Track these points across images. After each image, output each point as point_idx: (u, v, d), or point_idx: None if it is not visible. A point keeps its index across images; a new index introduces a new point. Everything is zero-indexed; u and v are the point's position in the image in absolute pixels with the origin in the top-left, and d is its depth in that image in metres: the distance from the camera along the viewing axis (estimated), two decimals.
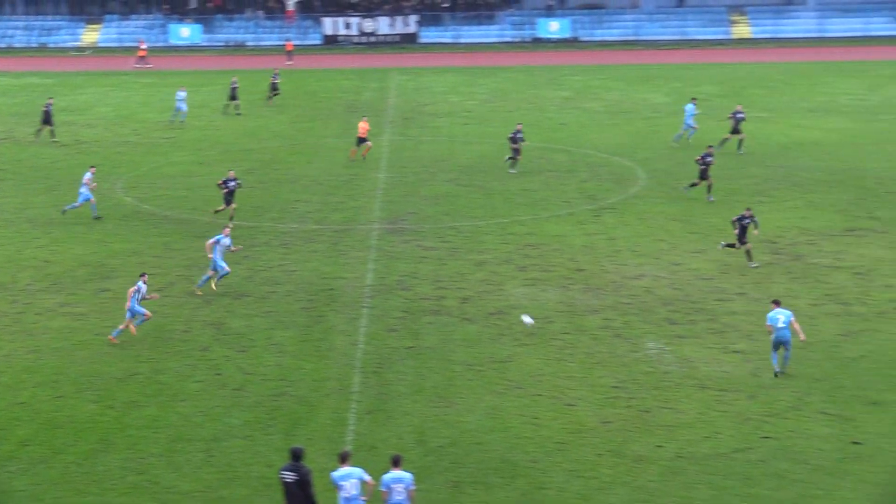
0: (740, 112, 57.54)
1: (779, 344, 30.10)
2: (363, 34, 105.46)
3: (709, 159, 47.83)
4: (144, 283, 33.37)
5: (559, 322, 34.48)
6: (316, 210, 47.42)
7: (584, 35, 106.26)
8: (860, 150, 58.04)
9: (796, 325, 30.13)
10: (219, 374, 30.72)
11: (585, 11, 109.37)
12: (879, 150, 57.93)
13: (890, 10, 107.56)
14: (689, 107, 60.42)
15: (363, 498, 21.55)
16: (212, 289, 36.93)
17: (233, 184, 44.28)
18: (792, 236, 42.89)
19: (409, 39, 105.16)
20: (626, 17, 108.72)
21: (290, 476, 21.52)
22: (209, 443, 26.82)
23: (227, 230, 38.02)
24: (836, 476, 25.12)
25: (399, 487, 21.45)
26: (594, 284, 37.89)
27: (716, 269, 39.22)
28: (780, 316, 30.03)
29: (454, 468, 25.58)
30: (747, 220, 39.20)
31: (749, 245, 39.35)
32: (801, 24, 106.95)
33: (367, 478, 21.54)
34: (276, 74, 75.20)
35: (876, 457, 25.94)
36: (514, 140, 53.46)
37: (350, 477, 21.43)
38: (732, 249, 39.75)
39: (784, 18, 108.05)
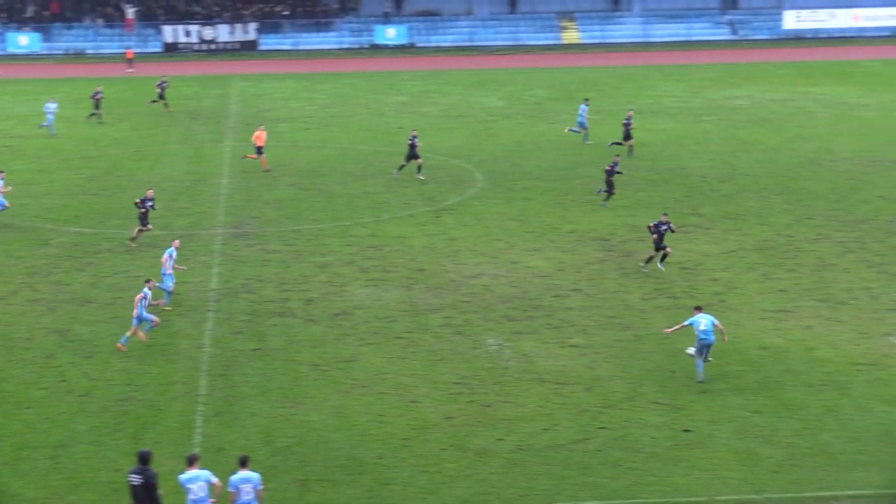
0: (630, 119, 58.93)
1: (703, 348, 30.34)
2: (203, 42, 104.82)
3: (615, 168, 48.10)
4: (150, 289, 33.23)
5: (402, 321, 35.10)
6: (160, 216, 47.07)
7: (421, 41, 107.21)
8: (685, 150, 59.88)
9: (721, 327, 30.54)
10: (64, 381, 30.57)
11: (421, 18, 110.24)
12: (702, 150, 59.88)
13: (709, 16, 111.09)
14: (583, 107, 61.89)
15: (211, 500, 21.81)
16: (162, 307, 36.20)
17: (150, 203, 43.07)
18: (623, 234, 44.17)
19: (249, 46, 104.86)
20: (461, 23, 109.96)
21: (136, 479, 21.70)
22: (56, 449, 26.74)
23: (178, 242, 37.76)
24: (669, 463, 26.18)
25: (247, 488, 21.74)
26: (435, 284, 38.61)
27: (552, 267, 40.26)
28: (703, 320, 30.20)
29: (301, 467, 25.98)
30: (664, 227, 39.09)
31: (668, 249, 39.23)
32: (627, 30, 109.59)
33: (215, 480, 21.81)
34: (163, 82, 74.05)
35: (705, 443, 27.11)
36: (411, 146, 53.41)
37: (198, 479, 21.69)
38: (653, 259, 39.59)
39: (611, 24, 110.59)
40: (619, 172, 48.25)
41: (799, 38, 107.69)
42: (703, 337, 30.12)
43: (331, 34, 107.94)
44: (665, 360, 31.85)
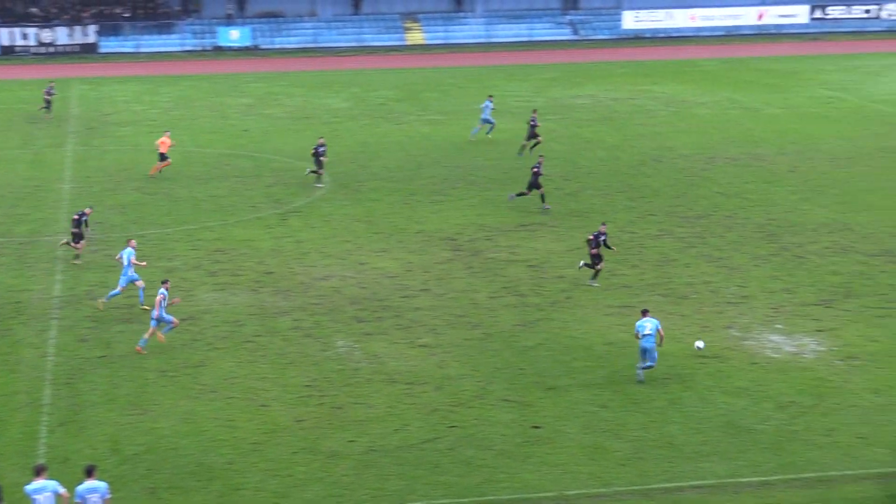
0: (535, 119, 59.13)
1: (644, 351, 30.59)
2: (42, 44, 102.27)
3: (539, 168, 47.72)
4: (167, 289, 32.52)
5: (250, 325, 34.93)
6: None
7: (265, 43, 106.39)
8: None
9: (661, 332, 30.75)
10: None
11: (265, 20, 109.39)
12: (546, 149, 59.61)
13: (551, 16, 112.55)
14: (487, 103, 62.10)
15: None
16: (99, 307, 35.98)
17: (85, 218, 41.65)
18: (470, 233, 44.57)
19: (88, 49, 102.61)
20: (305, 24, 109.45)
21: None
22: None
23: (134, 242, 36.97)
24: (519, 459, 26.59)
25: (94, 497, 21.57)
26: (283, 287, 38.49)
27: (400, 268, 40.45)
28: (648, 324, 30.47)
29: (150, 475, 25.78)
30: (603, 237, 38.76)
31: (601, 265, 38.65)
32: (470, 31, 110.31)
33: (62, 490, 21.55)
34: (50, 87, 71.79)
35: (554, 439, 27.61)
36: (316, 154, 52.24)
37: (44, 490, 21.42)
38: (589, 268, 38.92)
39: (454, 25, 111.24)
40: (540, 174, 47.67)
41: (638, 38, 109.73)
42: (644, 343, 30.45)
43: (173, 36, 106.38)
44: (513, 358, 32.30)
